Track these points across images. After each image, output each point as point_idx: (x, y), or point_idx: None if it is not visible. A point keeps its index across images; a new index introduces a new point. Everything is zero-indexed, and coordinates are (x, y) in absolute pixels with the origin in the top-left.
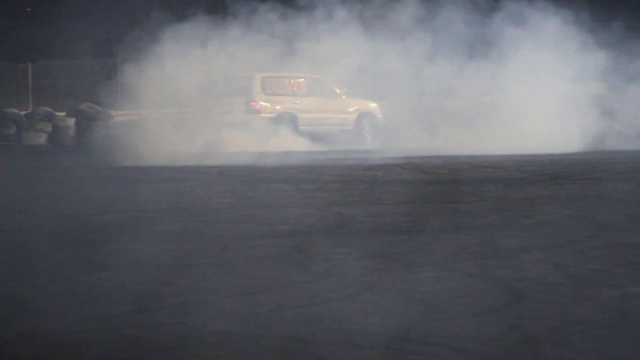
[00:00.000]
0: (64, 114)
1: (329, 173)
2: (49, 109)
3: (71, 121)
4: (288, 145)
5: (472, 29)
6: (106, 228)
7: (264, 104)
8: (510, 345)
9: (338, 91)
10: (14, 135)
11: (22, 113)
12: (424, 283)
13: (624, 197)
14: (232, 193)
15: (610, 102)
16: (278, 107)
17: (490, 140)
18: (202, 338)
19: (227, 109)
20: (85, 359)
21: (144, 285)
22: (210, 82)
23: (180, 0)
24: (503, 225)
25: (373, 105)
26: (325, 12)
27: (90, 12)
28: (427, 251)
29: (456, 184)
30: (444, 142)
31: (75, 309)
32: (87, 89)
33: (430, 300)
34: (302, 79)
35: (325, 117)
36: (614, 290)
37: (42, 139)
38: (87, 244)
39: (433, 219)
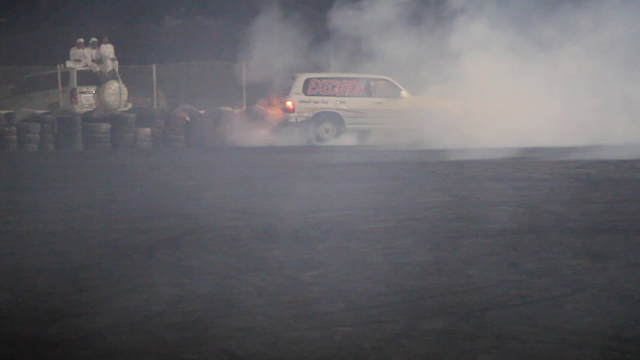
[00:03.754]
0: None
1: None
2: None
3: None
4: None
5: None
6: (319, 226)
7: (301, 103)
8: None
9: (404, 92)
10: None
11: None
12: None
13: None
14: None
15: None
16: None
17: None
18: (415, 337)
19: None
20: (299, 356)
21: (356, 283)
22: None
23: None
24: None
25: (447, 103)
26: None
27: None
28: None
29: None
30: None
31: (288, 307)
32: (212, 91)
33: None
34: (358, 80)
35: (378, 115)
36: None
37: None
38: (301, 241)
39: None
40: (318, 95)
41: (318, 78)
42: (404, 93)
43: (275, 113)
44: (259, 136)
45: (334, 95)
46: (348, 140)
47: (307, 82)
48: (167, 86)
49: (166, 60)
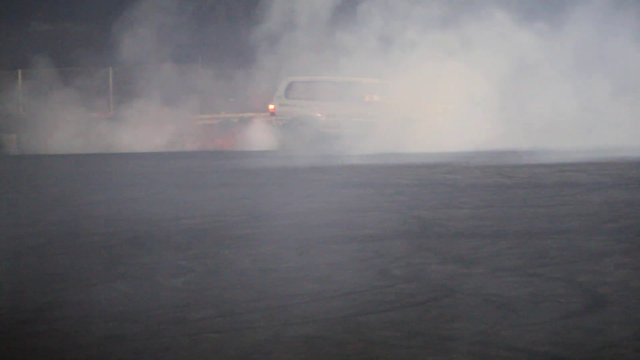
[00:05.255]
0: None
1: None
2: None
3: None
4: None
5: None
6: (189, 232)
7: (281, 107)
8: (594, 351)
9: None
10: None
11: None
12: (506, 288)
13: None
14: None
15: None
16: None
17: None
18: (284, 343)
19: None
20: None
21: (226, 290)
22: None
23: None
24: (585, 229)
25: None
26: None
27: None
28: (509, 256)
29: (537, 187)
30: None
31: (156, 314)
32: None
33: (512, 305)
34: (341, 84)
35: (348, 121)
36: None
37: None
38: (171, 248)
39: (514, 224)
40: (298, 99)
41: (301, 82)
42: (376, 97)
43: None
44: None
45: (314, 100)
46: (322, 145)
47: (290, 86)
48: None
49: (32, 65)
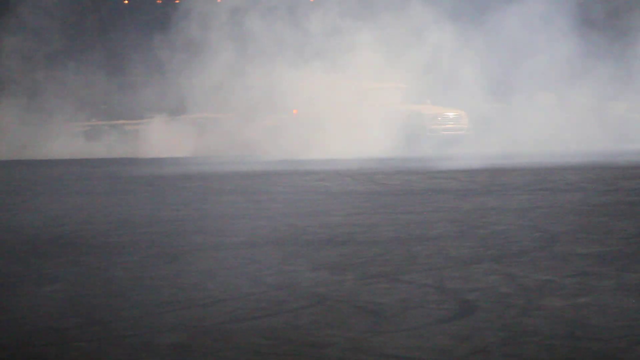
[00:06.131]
0: None
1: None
2: None
3: None
4: None
5: None
6: (57, 240)
7: None
8: (462, 356)
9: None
10: None
11: None
12: (377, 294)
13: (575, 208)
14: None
15: None
16: None
17: None
18: (154, 351)
19: None
20: None
21: (95, 298)
22: None
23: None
24: (455, 236)
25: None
26: None
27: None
28: (379, 262)
29: (408, 194)
30: None
31: (24, 323)
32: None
33: (383, 312)
34: None
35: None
36: (564, 301)
37: None
38: (38, 256)
39: (385, 230)
40: None
41: None
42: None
43: None
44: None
45: None
46: None
47: None
48: None
49: None
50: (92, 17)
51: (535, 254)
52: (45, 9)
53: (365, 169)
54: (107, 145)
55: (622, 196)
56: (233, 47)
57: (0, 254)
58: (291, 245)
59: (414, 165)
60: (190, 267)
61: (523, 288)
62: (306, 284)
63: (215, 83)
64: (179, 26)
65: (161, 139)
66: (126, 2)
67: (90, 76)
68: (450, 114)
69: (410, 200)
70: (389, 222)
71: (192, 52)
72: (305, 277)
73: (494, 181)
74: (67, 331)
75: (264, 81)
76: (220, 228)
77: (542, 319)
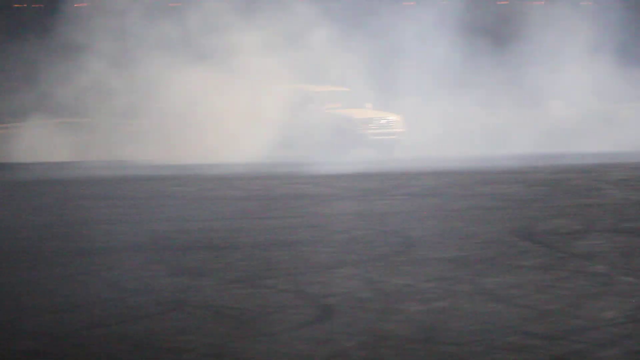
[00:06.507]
0: None
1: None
2: None
3: None
4: None
5: None
6: None
7: None
8: None
9: None
10: None
11: None
12: (236, 299)
13: (433, 213)
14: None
15: None
16: None
17: None
18: (11, 358)
19: None
20: None
21: None
22: None
23: None
24: (315, 241)
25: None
26: None
27: None
28: (238, 268)
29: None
30: None
31: None
32: None
33: (242, 317)
34: None
35: None
36: (422, 305)
37: None
38: None
39: (244, 236)
40: None
41: None
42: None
43: None
44: None
45: None
46: None
47: None
48: None
49: None
50: None
51: (394, 258)
52: None
53: (227, 174)
54: None
55: (479, 201)
56: (105, 49)
57: None
58: (149, 251)
59: (278, 171)
60: (48, 273)
61: (382, 293)
62: (165, 289)
63: (83, 86)
64: (48, 27)
65: (27, 144)
66: None
67: None
68: (384, 119)
69: (269, 206)
70: (249, 227)
71: (61, 54)
72: (165, 282)
73: (355, 186)
74: None
75: (136, 84)
76: (79, 234)
77: (400, 323)
